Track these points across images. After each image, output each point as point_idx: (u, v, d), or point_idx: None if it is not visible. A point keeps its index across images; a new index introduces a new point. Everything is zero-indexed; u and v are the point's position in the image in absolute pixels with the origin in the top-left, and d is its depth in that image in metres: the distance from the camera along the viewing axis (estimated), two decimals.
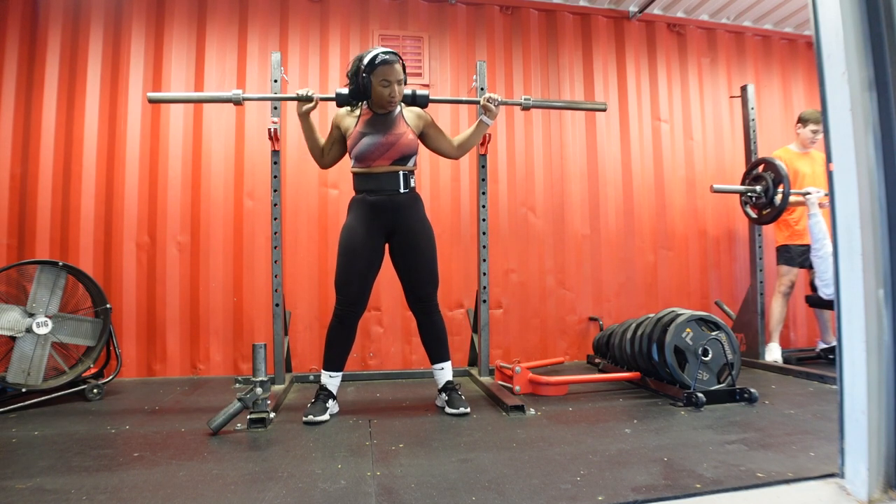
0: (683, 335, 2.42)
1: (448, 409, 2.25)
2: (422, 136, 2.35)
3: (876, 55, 1.31)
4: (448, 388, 2.33)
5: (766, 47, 4.14)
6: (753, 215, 3.16)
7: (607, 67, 3.82)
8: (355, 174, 2.29)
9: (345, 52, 3.46)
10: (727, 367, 2.41)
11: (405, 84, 2.24)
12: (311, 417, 2.10)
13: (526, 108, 2.56)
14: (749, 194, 3.13)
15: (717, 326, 2.47)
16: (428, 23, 3.58)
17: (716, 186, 3.14)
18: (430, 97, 2.37)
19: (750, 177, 3.19)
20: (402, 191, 2.24)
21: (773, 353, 3.26)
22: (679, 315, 2.49)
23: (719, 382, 2.41)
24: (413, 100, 2.33)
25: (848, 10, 1.32)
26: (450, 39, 3.60)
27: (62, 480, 1.50)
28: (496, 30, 3.68)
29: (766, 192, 3.03)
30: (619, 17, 3.86)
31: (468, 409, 2.23)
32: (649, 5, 3.74)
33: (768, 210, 3.04)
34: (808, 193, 2.95)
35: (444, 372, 2.37)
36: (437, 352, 2.37)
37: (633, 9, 3.82)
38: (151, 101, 2.35)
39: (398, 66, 2.15)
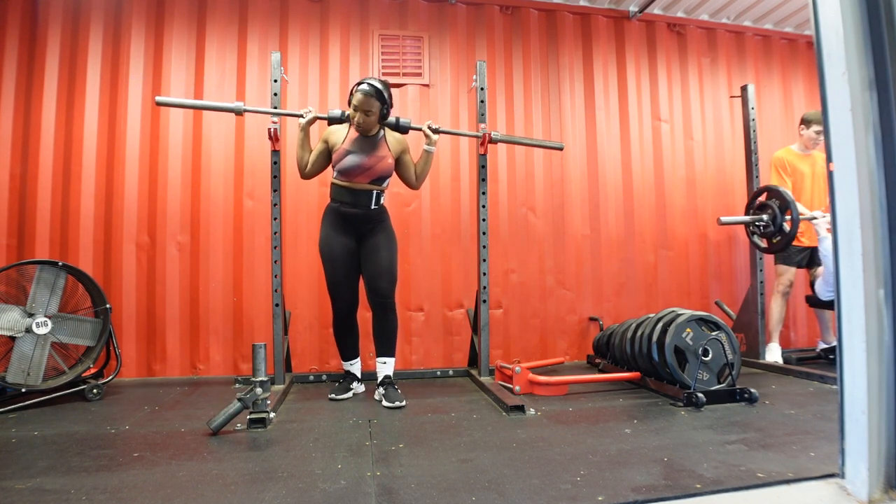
0: (684, 335, 2.42)
1: (385, 403, 2.40)
2: (396, 161, 2.56)
3: (876, 55, 1.31)
4: (386, 382, 2.52)
5: (767, 47, 4.14)
6: (763, 245, 3.10)
7: (607, 67, 3.82)
8: (335, 185, 2.53)
9: (345, 52, 3.46)
10: (727, 367, 2.41)
11: (381, 116, 2.46)
12: (333, 395, 2.51)
13: (493, 141, 2.84)
14: (757, 224, 3.07)
15: (717, 326, 2.48)
16: (428, 23, 3.58)
17: (722, 219, 3.08)
18: (411, 125, 2.60)
19: (754, 206, 3.13)
20: (372, 207, 2.50)
21: (774, 354, 3.25)
22: (679, 315, 2.49)
23: (719, 382, 2.41)
24: (396, 126, 2.56)
25: (848, 9, 1.32)
26: (450, 39, 3.60)
27: (62, 480, 1.50)
28: (496, 30, 3.68)
29: (773, 220, 2.97)
30: (619, 16, 3.86)
31: (404, 403, 2.39)
32: (649, 5, 3.74)
33: (778, 238, 2.98)
34: (815, 218, 2.97)
35: (386, 366, 2.57)
36: (384, 347, 2.58)
37: (633, 9, 3.82)
38: (159, 104, 2.53)
39: (372, 100, 2.37)
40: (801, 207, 3.09)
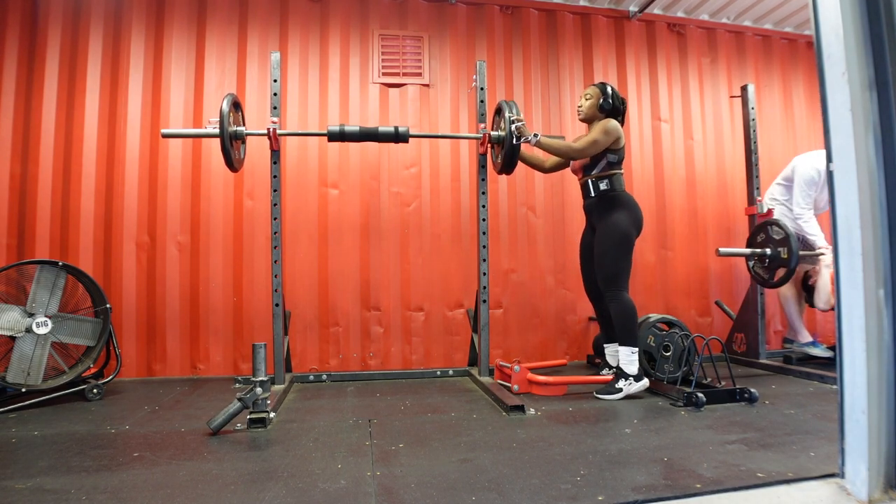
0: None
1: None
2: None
3: (876, 55, 1.31)
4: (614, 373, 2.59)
5: (767, 47, 4.14)
6: (765, 277, 3.04)
7: (607, 67, 3.82)
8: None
9: (345, 52, 3.46)
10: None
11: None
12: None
13: (493, 141, 2.80)
14: (758, 257, 3.04)
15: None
16: (428, 23, 3.58)
17: (721, 250, 3.05)
18: (411, 133, 2.69)
19: (757, 238, 3.09)
20: (592, 195, 2.70)
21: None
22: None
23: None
24: (395, 136, 2.56)
25: (848, 10, 1.32)
26: (450, 39, 3.60)
27: (62, 480, 1.50)
28: (496, 30, 3.68)
29: (776, 255, 2.95)
30: (619, 16, 3.86)
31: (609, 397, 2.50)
32: (649, 5, 3.74)
33: (783, 272, 2.92)
34: (823, 254, 3.01)
35: (617, 354, 2.65)
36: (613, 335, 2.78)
37: (633, 8, 3.82)
38: (165, 136, 2.59)
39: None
40: (819, 240, 3.06)
